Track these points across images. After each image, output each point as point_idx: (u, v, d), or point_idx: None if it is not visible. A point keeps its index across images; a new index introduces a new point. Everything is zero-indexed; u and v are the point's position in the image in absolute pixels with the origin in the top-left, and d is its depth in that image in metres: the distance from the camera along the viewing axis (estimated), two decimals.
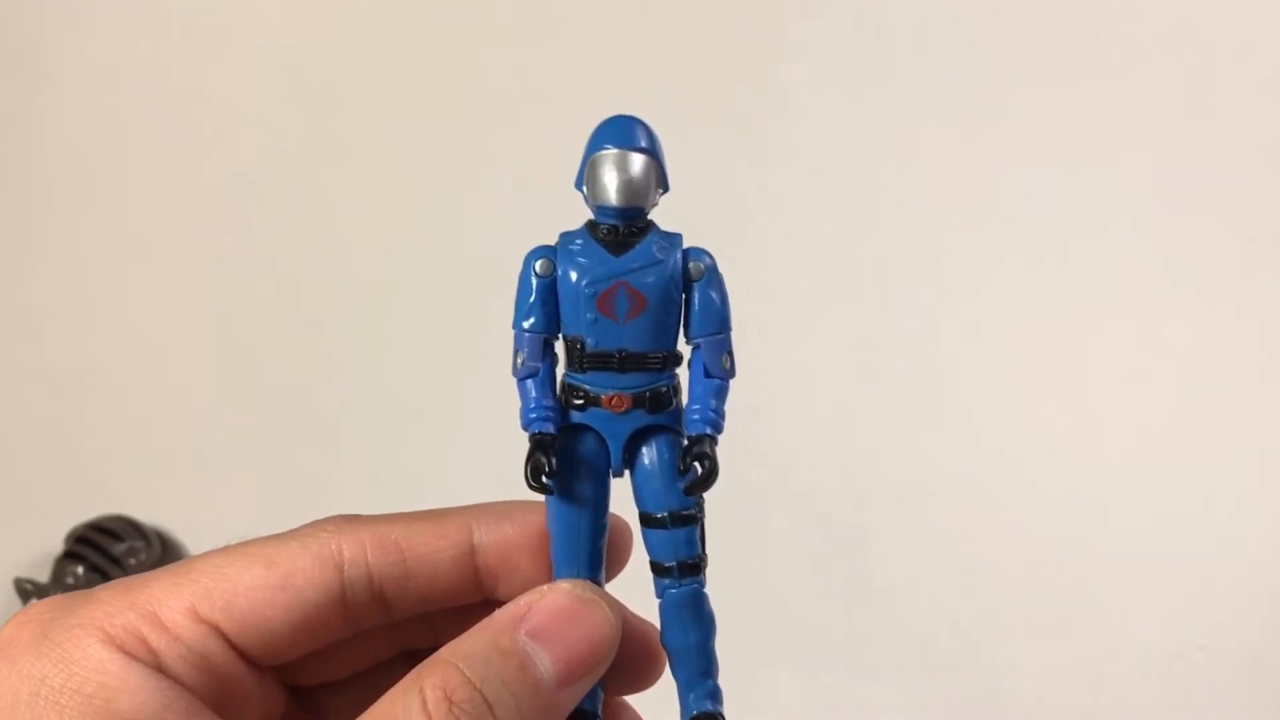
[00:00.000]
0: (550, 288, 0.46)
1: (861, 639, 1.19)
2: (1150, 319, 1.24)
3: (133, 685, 0.42)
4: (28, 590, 1.21)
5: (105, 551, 1.23)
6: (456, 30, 1.34)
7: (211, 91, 1.37)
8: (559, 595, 0.44)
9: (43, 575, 1.23)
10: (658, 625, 0.48)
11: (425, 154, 1.34)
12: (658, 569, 0.47)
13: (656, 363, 0.46)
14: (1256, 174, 1.23)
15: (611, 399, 0.45)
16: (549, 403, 0.46)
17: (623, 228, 0.45)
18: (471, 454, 1.29)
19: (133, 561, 1.24)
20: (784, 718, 1.07)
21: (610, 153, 0.45)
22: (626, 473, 0.47)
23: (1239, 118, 1.23)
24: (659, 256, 0.45)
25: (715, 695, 0.48)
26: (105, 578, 1.21)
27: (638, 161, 0.45)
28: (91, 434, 1.38)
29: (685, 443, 0.46)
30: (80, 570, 1.22)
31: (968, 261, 1.27)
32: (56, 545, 1.24)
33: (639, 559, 0.48)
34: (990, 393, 1.26)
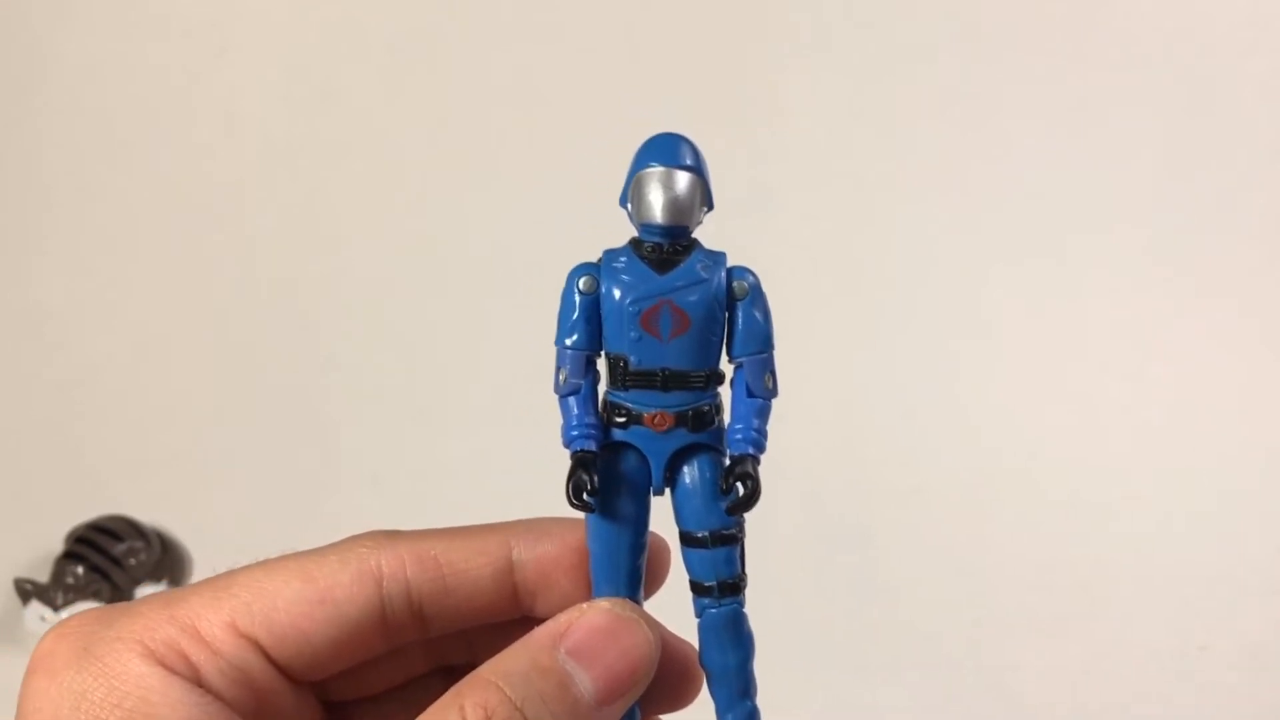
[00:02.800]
0: (593, 305, 0.45)
1: (864, 638, 1.19)
2: (1151, 318, 1.24)
3: (173, 699, 0.42)
4: (28, 590, 1.20)
5: (105, 551, 1.23)
6: (456, 31, 1.34)
7: (211, 91, 1.37)
8: (598, 613, 0.44)
9: (43, 575, 1.22)
10: (696, 644, 0.48)
11: (425, 154, 1.34)
12: (697, 588, 0.47)
13: (699, 381, 0.45)
14: (1256, 174, 1.23)
15: (654, 417, 0.45)
16: (591, 420, 0.45)
17: (667, 246, 0.45)
18: (472, 453, 1.29)
19: (133, 561, 1.24)
20: (786, 716, 1.07)
21: (656, 170, 0.45)
22: (667, 491, 0.47)
23: (1239, 118, 1.24)
24: (703, 275, 0.45)
25: (753, 716, 0.47)
26: (105, 578, 1.21)
27: (683, 180, 0.44)
28: (91, 434, 1.38)
29: (728, 462, 0.46)
30: (80, 570, 1.22)
31: (968, 261, 1.28)
32: (56, 545, 1.24)
33: (677, 577, 0.48)
34: (991, 392, 1.27)
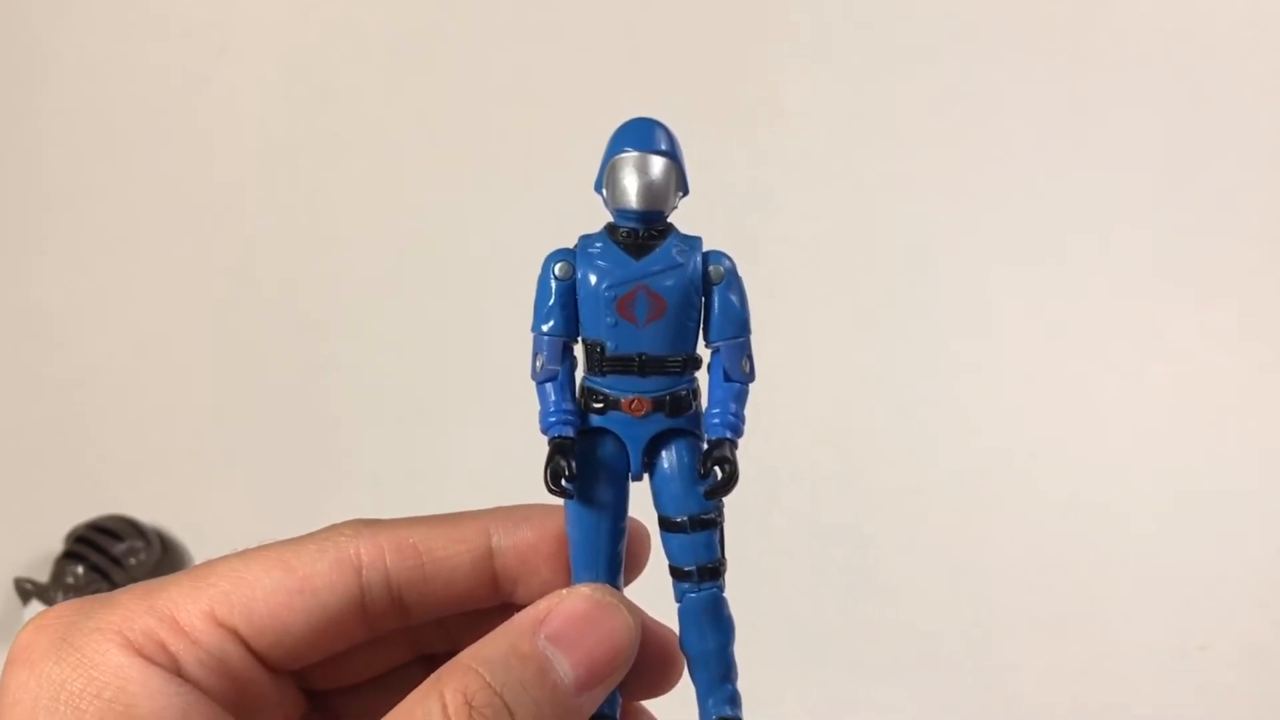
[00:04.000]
0: (569, 291, 0.45)
1: (863, 638, 1.19)
2: (1151, 318, 1.24)
3: (152, 690, 0.42)
4: (28, 590, 1.20)
5: (105, 551, 1.23)
6: (456, 31, 1.34)
7: (211, 92, 1.37)
8: (578, 599, 0.44)
9: (43, 575, 1.22)
10: (676, 630, 0.48)
11: (425, 154, 1.34)
12: (677, 573, 0.47)
13: (676, 366, 0.45)
14: (1256, 174, 1.23)
15: (631, 402, 0.45)
16: (568, 406, 0.46)
17: (642, 231, 0.45)
18: (472, 453, 1.29)
19: (133, 561, 1.24)
20: (785, 716, 1.07)
21: (630, 155, 0.45)
22: (645, 476, 0.47)
23: (1239, 118, 1.23)
24: (679, 260, 0.45)
25: (734, 700, 0.47)
26: (105, 578, 1.21)
27: (658, 164, 0.45)
28: (91, 434, 1.38)
29: (705, 447, 0.46)
30: (80, 570, 1.22)
31: (968, 261, 1.28)
32: (56, 545, 1.24)
33: (657, 563, 0.48)
34: (991, 392, 1.27)
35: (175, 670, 0.43)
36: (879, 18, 1.27)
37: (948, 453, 1.26)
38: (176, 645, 0.43)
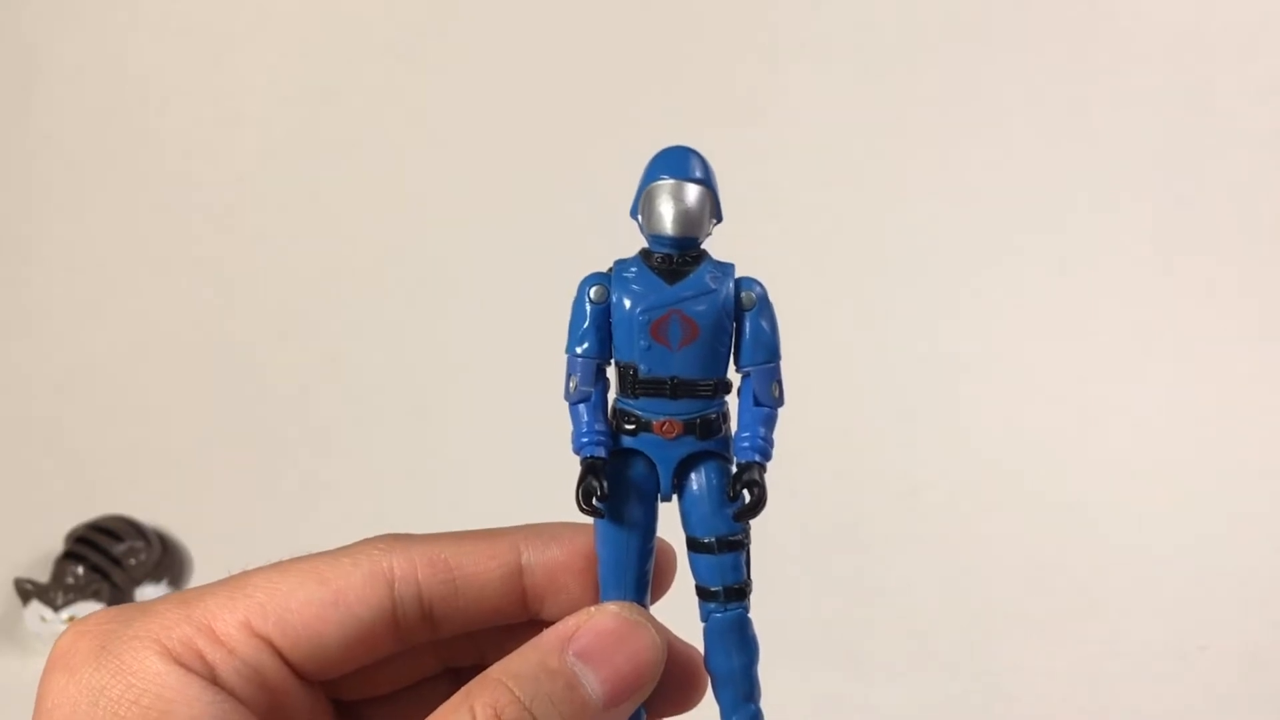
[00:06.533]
0: (604, 314, 0.46)
1: (861, 638, 1.19)
2: (1150, 319, 1.25)
3: (189, 697, 0.42)
4: (28, 590, 1.20)
5: (105, 551, 1.23)
6: (456, 31, 1.34)
7: (210, 92, 1.37)
8: (606, 617, 0.45)
9: (43, 575, 1.22)
10: (701, 649, 0.48)
11: (425, 155, 1.35)
12: (704, 593, 0.47)
13: (707, 390, 0.46)
14: (1256, 172, 1.23)
15: (663, 425, 0.46)
16: (601, 427, 0.46)
17: (677, 256, 0.46)
18: (472, 453, 1.29)
19: (133, 561, 1.24)
20: (784, 716, 1.08)
21: (666, 183, 0.45)
22: (675, 498, 0.47)
23: (1239, 115, 1.24)
24: (712, 285, 0.46)
25: (757, 719, 0.48)
26: (105, 578, 1.21)
27: (693, 192, 0.45)
28: (91, 434, 1.38)
29: (735, 470, 0.46)
30: (80, 570, 1.21)
31: (966, 261, 1.28)
32: (56, 545, 1.24)
33: (683, 582, 0.49)
34: (989, 393, 1.27)
35: (211, 678, 0.43)
36: (880, 13, 1.28)
37: (946, 454, 1.26)
38: (213, 654, 0.44)
